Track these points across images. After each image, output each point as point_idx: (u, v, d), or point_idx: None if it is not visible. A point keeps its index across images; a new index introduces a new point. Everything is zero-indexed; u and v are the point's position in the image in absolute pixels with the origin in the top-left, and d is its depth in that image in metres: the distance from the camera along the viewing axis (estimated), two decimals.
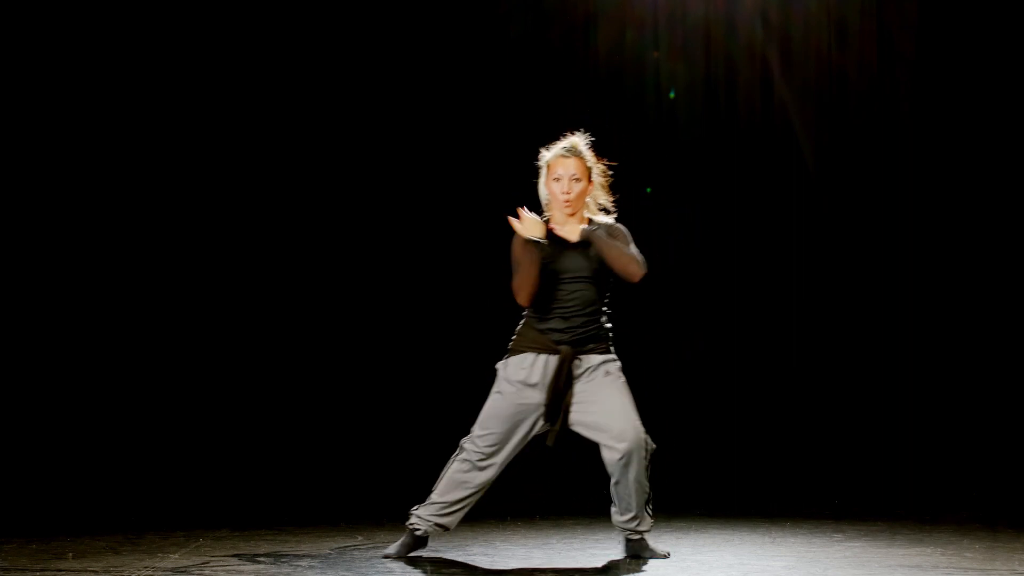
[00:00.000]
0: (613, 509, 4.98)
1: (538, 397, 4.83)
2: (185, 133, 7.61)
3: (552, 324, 4.83)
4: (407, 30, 7.96)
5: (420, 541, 5.00)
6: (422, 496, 5.01)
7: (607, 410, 4.81)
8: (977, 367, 7.66)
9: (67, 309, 7.40)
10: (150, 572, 4.53)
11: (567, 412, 4.83)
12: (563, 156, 4.94)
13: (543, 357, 4.83)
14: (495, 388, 4.89)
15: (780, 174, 7.96)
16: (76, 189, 7.41)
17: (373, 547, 5.39)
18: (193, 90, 7.62)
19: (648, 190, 8.07)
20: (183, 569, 4.63)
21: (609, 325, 4.96)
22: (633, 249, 4.91)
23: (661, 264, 8.04)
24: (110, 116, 7.46)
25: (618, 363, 4.92)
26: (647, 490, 4.90)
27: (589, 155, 4.98)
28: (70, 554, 5.03)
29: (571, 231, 4.85)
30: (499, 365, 4.92)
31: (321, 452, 7.52)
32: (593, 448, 4.92)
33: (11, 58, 7.24)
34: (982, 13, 7.66)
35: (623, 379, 4.91)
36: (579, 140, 5.03)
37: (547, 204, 4.97)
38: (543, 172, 4.98)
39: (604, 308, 4.95)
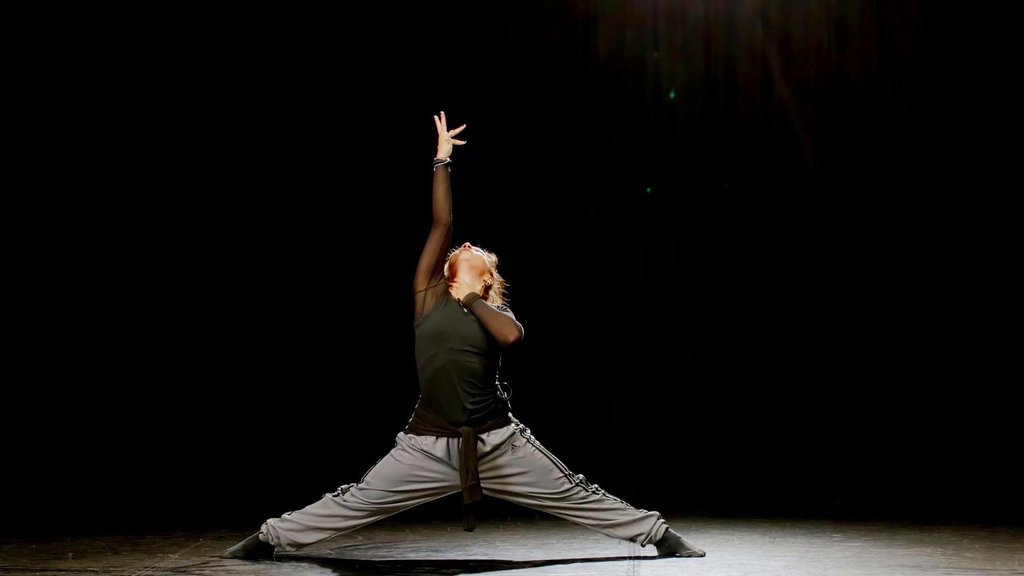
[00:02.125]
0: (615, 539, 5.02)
1: (439, 471, 4.80)
2: (167, 139, 7.61)
3: (447, 403, 4.78)
4: (408, 30, 7.96)
5: (264, 547, 4.90)
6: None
7: (529, 479, 4.82)
8: (977, 367, 7.65)
9: (66, 311, 7.39)
10: (150, 572, 4.53)
11: (482, 488, 4.79)
12: (466, 249, 5.01)
13: (443, 440, 4.80)
14: (394, 452, 4.85)
15: (780, 174, 7.95)
16: (74, 193, 7.40)
17: (373, 547, 5.39)
18: (180, 96, 7.62)
19: (648, 190, 8.07)
20: (183, 569, 4.63)
21: (505, 396, 4.90)
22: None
23: (661, 264, 8.09)
24: (100, 121, 7.46)
25: (518, 434, 4.87)
26: (615, 506, 4.90)
27: (492, 264, 5.04)
28: (70, 554, 5.03)
29: (460, 291, 4.89)
30: (401, 435, 4.88)
31: (319, 452, 7.52)
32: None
33: (12, 59, 7.25)
34: (982, 13, 7.65)
35: (531, 445, 4.87)
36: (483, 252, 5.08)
37: (447, 273, 4.99)
38: (446, 271, 4.98)
39: (497, 380, 4.90)
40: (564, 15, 8.10)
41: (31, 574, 4.52)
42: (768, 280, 7.97)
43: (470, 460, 4.72)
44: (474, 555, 5.12)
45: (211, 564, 4.76)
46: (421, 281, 4.91)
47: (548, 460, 4.86)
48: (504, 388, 4.92)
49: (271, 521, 4.88)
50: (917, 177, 7.80)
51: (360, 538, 5.62)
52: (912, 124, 7.82)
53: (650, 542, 4.94)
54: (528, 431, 4.92)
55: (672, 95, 8.06)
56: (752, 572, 4.58)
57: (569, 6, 8.09)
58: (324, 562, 4.87)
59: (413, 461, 4.80)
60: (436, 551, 5.23)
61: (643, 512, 4.94)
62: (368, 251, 7.83)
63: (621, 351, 8.06)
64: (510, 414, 4.91)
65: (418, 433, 4.83)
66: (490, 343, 4.81)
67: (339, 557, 5.05)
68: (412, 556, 5.07)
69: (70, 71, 7.38)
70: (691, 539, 5.16)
